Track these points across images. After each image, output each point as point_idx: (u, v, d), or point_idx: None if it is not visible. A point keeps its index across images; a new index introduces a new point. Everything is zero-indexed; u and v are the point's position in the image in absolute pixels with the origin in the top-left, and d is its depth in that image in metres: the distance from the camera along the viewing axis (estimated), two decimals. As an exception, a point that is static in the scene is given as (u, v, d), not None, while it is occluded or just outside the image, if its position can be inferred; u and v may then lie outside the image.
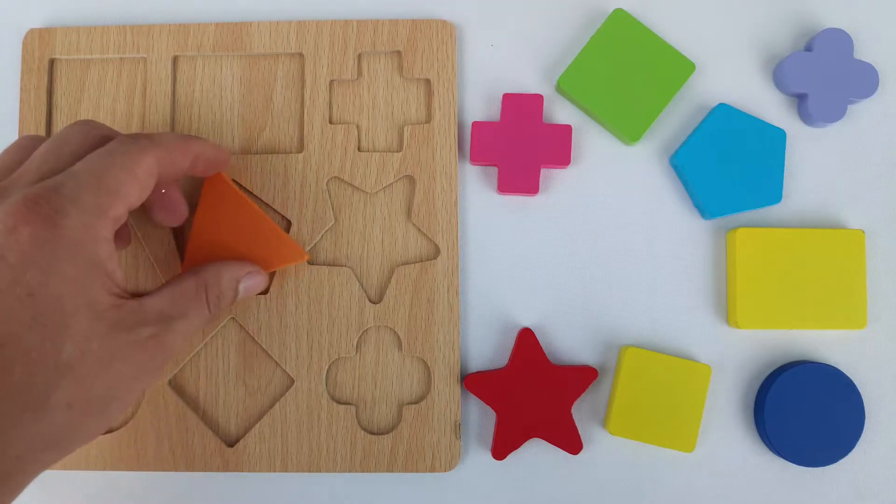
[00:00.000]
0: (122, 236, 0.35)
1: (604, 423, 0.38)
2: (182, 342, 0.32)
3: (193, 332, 0.33)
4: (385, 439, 0.38)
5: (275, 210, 0.39)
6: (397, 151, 0.39)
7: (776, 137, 0.38)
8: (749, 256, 0.38)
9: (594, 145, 0.40)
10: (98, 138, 0.31)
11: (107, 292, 0.29)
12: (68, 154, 0.30)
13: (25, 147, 0.32)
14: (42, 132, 0.40)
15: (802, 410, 0.37)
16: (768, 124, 0.38)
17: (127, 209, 0.30)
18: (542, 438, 0.37)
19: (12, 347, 0.26)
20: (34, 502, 0.39)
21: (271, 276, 0.38)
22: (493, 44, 0.41)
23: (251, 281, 0.35)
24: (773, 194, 0.38)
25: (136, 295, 0.31)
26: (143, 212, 0.36)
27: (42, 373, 0.27)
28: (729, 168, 0.38)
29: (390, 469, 0.38)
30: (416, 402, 0.38)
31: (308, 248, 0.39)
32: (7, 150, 0.32)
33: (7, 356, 0.26)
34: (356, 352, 0.39)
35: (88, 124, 0.32)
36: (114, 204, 0.29)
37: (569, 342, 0.39)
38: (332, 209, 0.39)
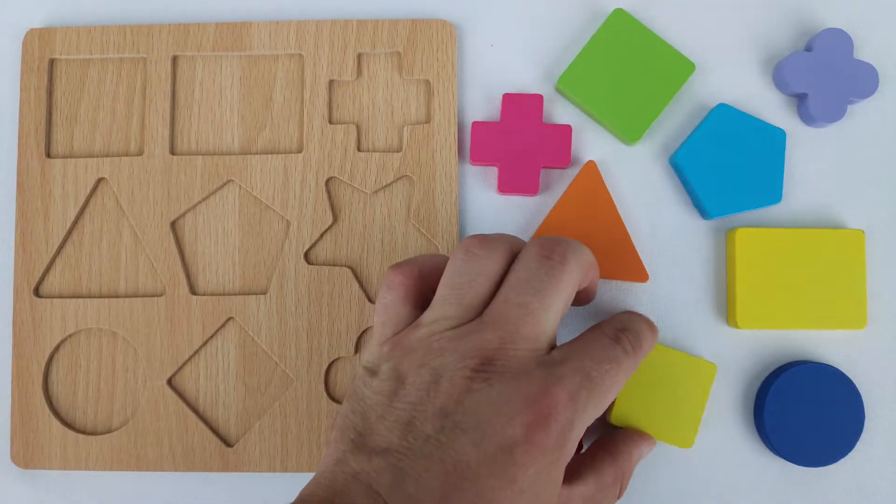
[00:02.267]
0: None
1: (607, 414, 0.38)
2: None
3: None
4: (385, 439, 0.38)
5: (274, 210, 0.39)
6: (397, 151, 0.39)
7: (776, 137, 0.38)
8: (749, 256, 0.38)
9: (594, 145, 0.40)
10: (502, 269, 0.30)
11: (558, 490, 0.29)
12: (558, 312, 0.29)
13: (485, 272, 0.30)
14: (42, 133, 0.40)
15: (802, 410, 0.37)
16: (768, 124, 0.38)
17: None
18: (543, 438, 0.37)
19: None
20: (35, 502, 0.39)
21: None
22: (493, 44, 0.41)
23: (648, 450, 0.36)
24: (773, 194, 0.38)
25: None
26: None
27: None
28: (729, 168, 0.38)
29: (390, 469, 0.38)
30: (415, 402, 0.38)
31: (308, 248, 0.39)
32: (471, 272, 0.30)
33: None
34: (356, 352, 0.39)
35: (480, 258, 0.30)
36: (606, 404, 0.29)
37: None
38: (332, 209, 0.39)
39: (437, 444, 0.26)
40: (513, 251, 0.31)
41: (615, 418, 0.37)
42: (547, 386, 0.27)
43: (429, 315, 0.29)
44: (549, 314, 0.29)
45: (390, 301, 0.31)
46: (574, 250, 0.30)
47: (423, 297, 0.31)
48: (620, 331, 0.31)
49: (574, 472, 0.32)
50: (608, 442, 0.35)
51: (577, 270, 0.30)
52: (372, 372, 0.29)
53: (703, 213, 0.39)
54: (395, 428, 0.27)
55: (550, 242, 0.30)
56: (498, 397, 0.27)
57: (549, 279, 0.29)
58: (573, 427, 0.27)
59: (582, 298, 0.34)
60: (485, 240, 0.30)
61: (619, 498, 0.33)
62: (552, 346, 0.29)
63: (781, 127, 0.39)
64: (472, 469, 0.26)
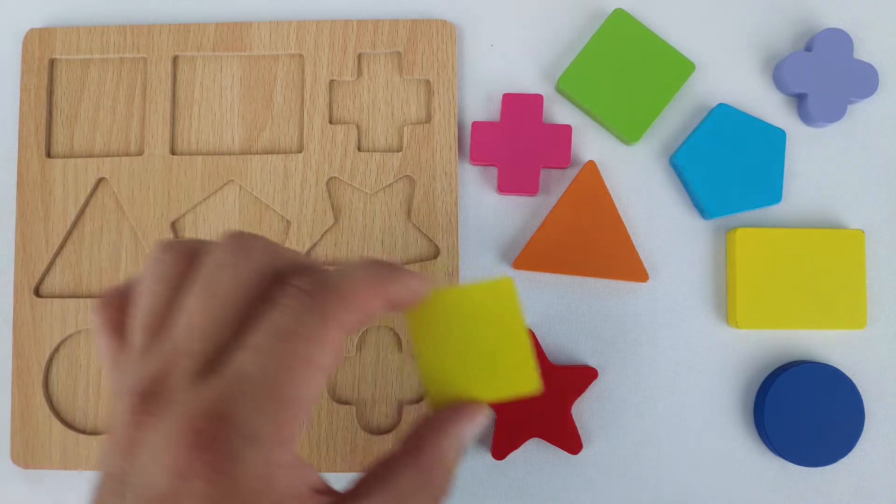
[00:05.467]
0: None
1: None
2: None
3: None
4: (385, 439, 0.38)
5: (275, 210, 0.39)
6: (397, 151, 0.39)
7: (776, 137, 0.38)
8: (749, 256, 0.38)
9: (594, 145, 0.40)
10: (258, 279, 0.23)
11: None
12: (230, 319, 0.22)
13: (167, 278, 0.23)
14: (42, 133, 0.40)
15: (802, 410, 0.37)
16: (768, 124, 0.38)
17: (311, 407, 0.23)
18: (542, 438, 0.37)
19: None
20: (35, 502, 0.39)
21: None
22: (493, 44, 0.41)
23: (471, 428, 0.26)
24: (773, 194, 0.38)
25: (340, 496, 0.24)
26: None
27: None
28: (729, 168, 0.38)
29: (390, 469, 0.38)
30: (416, 402, 0.38)
31: (308, 248, 0.39)
32: (151, 281, 0.23)
33: None
34: (356, 352, 0.39)
35: (241, 254, 0.23)
36: (297, 417, 0.22)
37: (568, 342, 0.39)
38: (332, 209, 0.39)
39: None
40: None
41: (433, 403, 0.27)
42: (191, 420, 0.21)
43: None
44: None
45: None
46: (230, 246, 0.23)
47: None
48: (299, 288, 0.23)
49: (358, 492, 0.24)
50: (408, 439, 0.26)
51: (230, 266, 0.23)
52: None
53: (703, 213, 0.39)
54: None
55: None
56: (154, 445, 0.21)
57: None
58: (238, 459, 0.21)
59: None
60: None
61: (443, 495, 0.25)
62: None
63: (781, 127, 0.39)
64: None
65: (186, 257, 0.23)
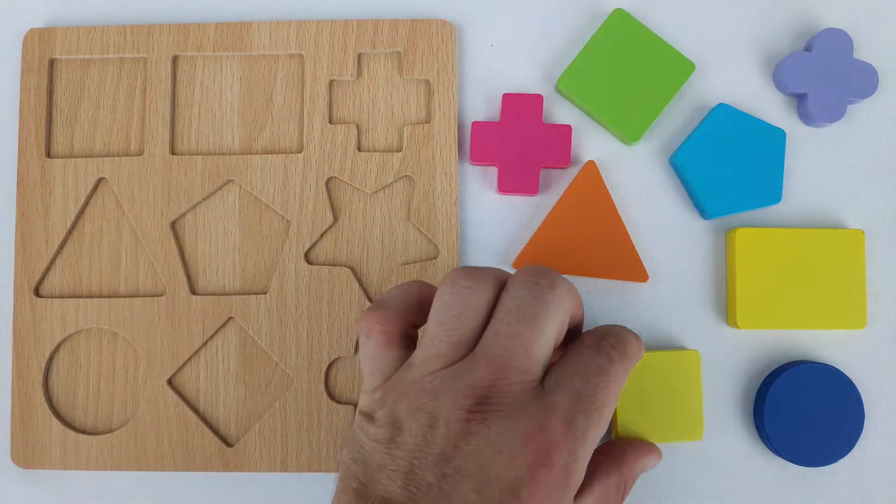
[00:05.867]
0: None
1: (612, 431, 0.38)
2: None
3: None
4: (385, 439, 0.38)
5: (274, 210, 0.39)
6: (397, 151, 0.39)
7: (776, 137, 0.38)
8: (749, 256, 0.38)
9: (594, 145, 0.40)
10: (563, 318, 0.29)
11: None
12: (550, 348, 0.29)
13: (478, 306, 0.29)
14: (42, 133, 0.40)
15: (802, 410, 0.37)
16: (768, 124, 0.38)
17: None
18: (543, 438, 0.37)
19: None
20: (35, 502, 0.39)
21: None
22: (493, 44, 0.41)
23: (653, 462, 0.35)
24: (773, 194, 0.38)
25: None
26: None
27: None
28: (729, 168, 0.38)
29: (390, 469, 0.38)
30: (416, 402, 0.38)
31: (308, 249, 0.39)
32: (461, 306, 0.29)
33: None
34: (356, 352, 0.39)
35: (547, 292, 0.29)
36: (605, 421, 0.29)
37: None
38: (332, 209, 0.39)
39: (439, 493, 0.26)
40: (500, 281, 0.30)
41: (620, 433, 0.37)
42: (542, 421, 0.26)
43: (419, 354, 0.29)
44: (541, 342, 0.28)
45: (373, 350, 0.29)
46: (562, 278, 0.30)
47: (405, 335, 0.30)
48: (600, 338, 0.30)
49: (583, 486, 0.30)
50: (614, 449, 0.34)
51: (567, 298, 0.29)
52: (369, 417, 0.28)
53: (703, 213, 0.39)
54: (396, 477, 0.26)
55: (538, 270, 0.29)
56: (497, 439, 0.26)
57: (539, 304, 0.28)
58: (577, 457, 0.27)
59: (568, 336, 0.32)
60: (471, 271, 0.29)
61: (623, 500, 0.33)
62: (546, 372, 0.29)
63: (781, 127, 0.39)
64: None
65: (496, 287, 0.29)
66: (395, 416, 0.28)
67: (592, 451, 0.28)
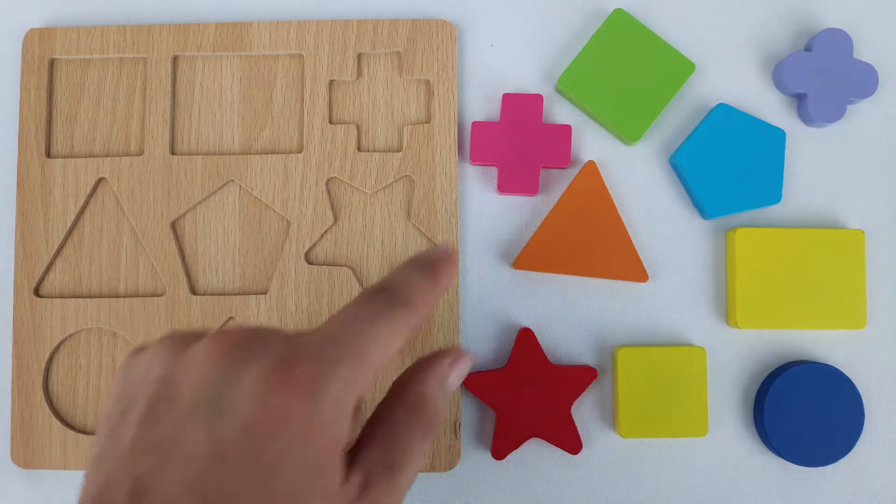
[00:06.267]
0: (357, 412, 0.27)
1: (614, 427, 0.38)
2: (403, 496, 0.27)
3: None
4: (385, 439, 0.38)
5: (274, 210, 0.39)
6: (397, 151, 0.39)
7: (776, 137, 0.38)
8: (749, 256, 0.38)
9: (594, 145, 0.40)
10: None
11: (340, 472, 0.25)
12: None
13: None
14: (42, 133, 0.40)
15: (802, 410, 0.37)
16: (768, 124, 0.38)
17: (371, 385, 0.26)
18: (542, 438, 0.37)
19: None
20: (35, 502, 0.39)
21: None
22: (493, 44, 0.41)
23: (453, 371, 0.29)
24: (773, 194, 0.38)
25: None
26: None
27: None
28: (729, 168, 0.38)
29: (390, 469, 0.38)
30: (416, 402, 0.38)
31: (308, 249, 0.39)
32: None
33: None
34: (356, 352, 0.38)
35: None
36: (367, 380, 0.25)
37: (568, 342, 0.39)
38: (332, 209, 0.39)
39: None
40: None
41: (624, 431, 0.37)
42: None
43: None
44: None
45: None
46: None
47: None
48: (377, 290, 0.26)
49: (363, 433, 0.27)
50: (396, 381, 0.29)
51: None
52: None
53: (703, 213, 0.39)
54: None
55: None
56: None
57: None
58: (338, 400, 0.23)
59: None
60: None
61: (432, 429, 0.28)
62: None
63: (781, 127, 0.39)
64: None
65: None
66: None
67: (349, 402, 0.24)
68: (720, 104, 0.38)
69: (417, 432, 0.27)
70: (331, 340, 0.25)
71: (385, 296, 0.26)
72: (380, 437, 0.27)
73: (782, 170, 0.38)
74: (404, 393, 0.29)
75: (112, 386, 0.26)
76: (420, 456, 0.27)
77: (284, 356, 0.24)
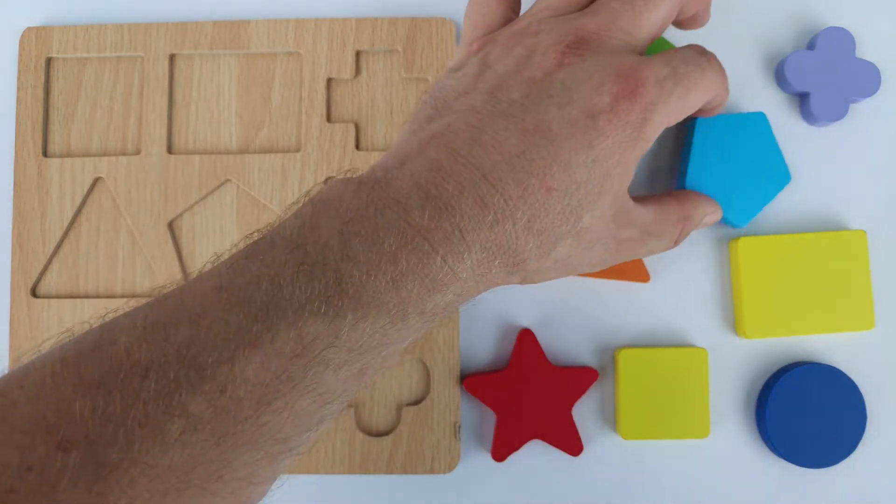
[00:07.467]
0: None
1: (616, 428, 0.38)
2: (643, 255, 0.33)
3: (653, 254, 0.34)
4: (384, 441, 0.38)
5: (273, 209, 0.39)
6: (396, 151, 0.39)
7: (759, 121, 0.37)
8: (752, 266, 0.37)
9: (595, 144, 0.40)
10: None
11: (628, 185, 0.29)
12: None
13: None
14: (39, 132, 0.39)
15: (804, 411, 0.37)
16: (746, 114, 0.37)
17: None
18: (543, 440, 0.37)
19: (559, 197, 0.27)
20: None
21: None
22: (493, 42, 0.40)
23: (711, 218, 0.35)
24: (782, 176, 0.37)
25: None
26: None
27: (562, 230, 0.28)
28: (732, 173, 0.37)
29: (389, 471, 0.37)
30: (415, 404, 0.38)
31: (306, 248, 0.39)
32: None
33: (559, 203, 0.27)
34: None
35: None
36: (677, 118, 0.29)
37: (569, 343, 0.39)
38: (331, 209, 0.39)
39: (520, 107, 0.27)
40: None
41: (625, 433, 0.37)
42: (637, 65, 0.27)
43: (530, 10, 0.30)
44: (652, 15, 0.29)
45: (484, 1, 0.31)
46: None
47: (517, 2, 0.32)
48: (706, 52, 0.30)
49: (638, 199, 0.32)
50: (675, 192, 0.35)
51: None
52: (457, 69, 0.29)
53: (732, 224, 0.38)
54: (479, 96, 0.27)
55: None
56: (590, 67, 0.27)
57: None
58: (656, 109, 0.28)
59: (691, 23, 0.33)
60: None
61: (674, 245, 0.33)
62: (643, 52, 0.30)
63: (783, 126, 0.39)
64: (552, 130, 0.26)
65: None
66: (487, 58, 0.29)
67: (666, 124, 0.29)
68: (697, 119, 0.37)
69: (675, 232, 0.33)
70: (673, 73, 0.28)
71: (713, 63, 0.30)
72: (653, 212, 0.32)
73: (778, 149, 0.37)
74: (686, 200, 0.34)
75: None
76: (662, 247, 0.33)
77: (625, 69, 0.27)
